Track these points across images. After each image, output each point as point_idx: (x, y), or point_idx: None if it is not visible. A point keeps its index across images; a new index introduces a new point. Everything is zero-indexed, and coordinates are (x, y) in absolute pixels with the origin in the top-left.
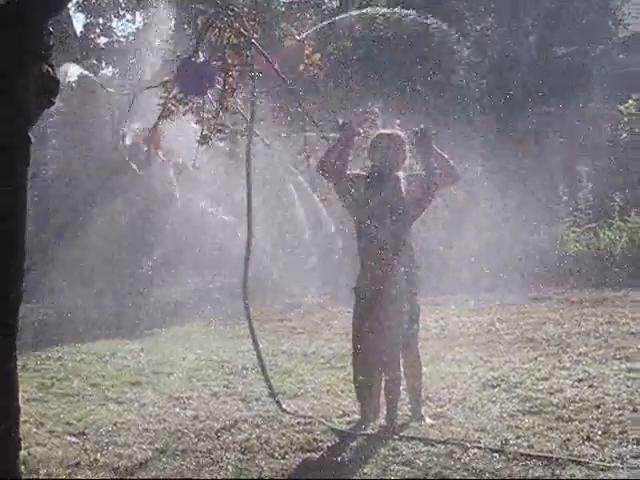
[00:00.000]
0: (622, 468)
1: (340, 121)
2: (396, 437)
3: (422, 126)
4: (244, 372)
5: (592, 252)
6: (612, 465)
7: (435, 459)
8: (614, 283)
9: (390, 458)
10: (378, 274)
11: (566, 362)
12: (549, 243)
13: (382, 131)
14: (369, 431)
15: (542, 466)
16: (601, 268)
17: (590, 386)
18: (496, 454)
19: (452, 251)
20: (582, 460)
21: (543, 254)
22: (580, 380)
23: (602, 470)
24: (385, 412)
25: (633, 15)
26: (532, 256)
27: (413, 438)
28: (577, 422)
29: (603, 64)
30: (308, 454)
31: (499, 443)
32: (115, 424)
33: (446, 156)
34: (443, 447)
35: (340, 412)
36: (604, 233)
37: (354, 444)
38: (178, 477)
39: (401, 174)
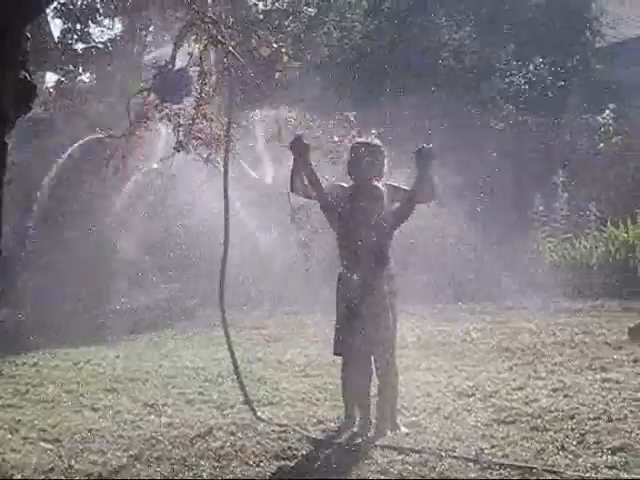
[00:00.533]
0: (597, 478)
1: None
2: (371, 446)
3: (426, 145)
4: (219, 379)
5: (568, 262)
6: (586, 475)
7: (410, 468)
8: (590, 293)
9: (365, 467)
10: (359, 283)
11: (541, 372)
12: (525, 253)
13: (360, 140)
14: (344, 439)
15: (517, 476)
16: (577, 278)
17: (565, 396)
18: (471, 463)
19: (427, 261)
20: (557, 470)
21: (519, 264)
22: (555, 390)
23: None
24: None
25: (611, 26)
26: (508, 266)
27: (388, 447)
28: (552, 432)
29: (580, 75)
30: (283, 462)
31: (474, 452)
32: (90, 431)
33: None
34: (418, 456)
35: (315, 420)
36: (580, 243)
37: (329, 452)
38: None
39: (381, 185)
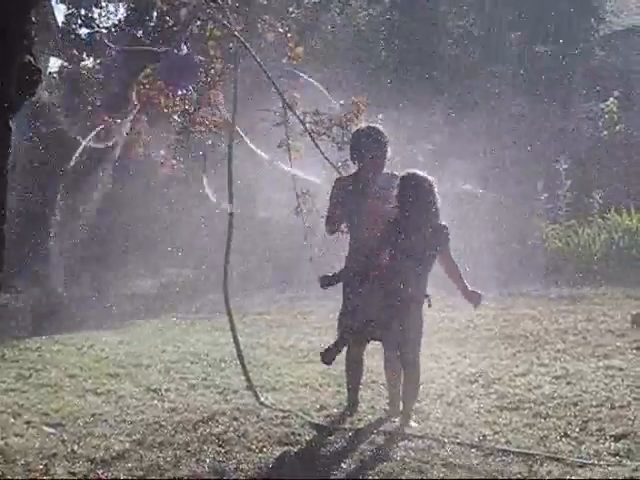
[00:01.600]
0: (599, 465)
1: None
2: (374, 432)
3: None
4: (222, 365)
5: (571, 249)
6: (589, 462)
7: (413, 454)
8: (593, 280)
9: (367, 452)
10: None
11: (544, 359)
12: (528, 240)
13: (361, 126)
14: (347, 425)
15: (519, 462)
16: (580, 265)
17: (568, 383)
18: (474, 449)
19: None
20: (559, 457)
21: (522, 251)
22: (558, 377)
23: (579, 467)
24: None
25: (615, 13)
26: (511, 253)
27: (391, 433)
28: (555, 419)
29: (584, 61)
30: (285, 447)
31: (477, 439)
32: (93, 415)
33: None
34: (421, 442)
35: (318, 406)
36: (583, 230)
37: (331, 438)
38: (155, 469)
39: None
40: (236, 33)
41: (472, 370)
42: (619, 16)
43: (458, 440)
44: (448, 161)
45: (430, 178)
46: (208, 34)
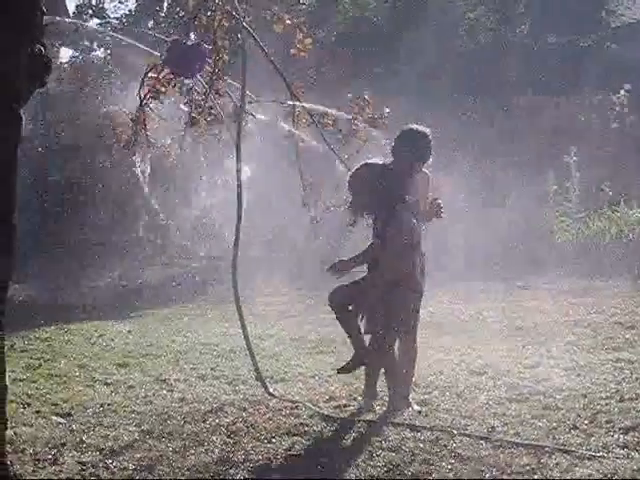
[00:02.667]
0: (608, 457)
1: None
2: (383, 423)
3: None
4: (231, 355)
5: (581, 241)
6: (598, 454)
7: (421, 445)
8: (603, 273)
9: (376, 444)
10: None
11: (554, 351)
12: (538, 232)
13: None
14: (356, 416)
15: (528, 454)
16: (590, 257)
17: (577, 375)
18: (482, 441)
19: (440, 240)
20: (568, 449)
21: (532, 243)
22: (567, 369)
23: (588, 459)
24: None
25: (626, 5)
26: (521, 245)
27: (400, 424)
28: (564, 411)
29: (595, 54)
30: (294, 438)
31: (486, 430)
32: (102, 405)
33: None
34: (430, 433)
35: (327, 397)
36: (593, 223)
37: (340, 429)
38: (164, 459)
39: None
40: (245, 24)
41: (481, 362)
42: (631, 8)
43: (467, 432)
44: (458, 152)
45: (378, 164)
46: (216, 24)
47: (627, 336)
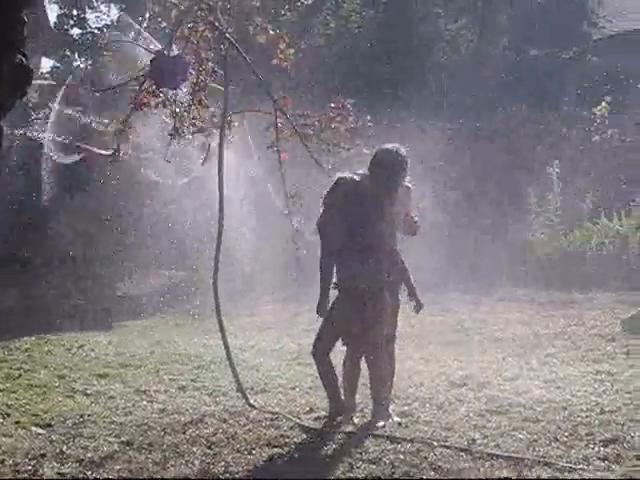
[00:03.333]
0: (588, 470)
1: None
2: (363, 435)
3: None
4: (212, 366)
5: (562, 253)
6: (578, 467)
7: (402, 457)
8: (583, 285)
9: (357, 455)
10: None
11: (534, 363)
12: (518, 244)
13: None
14: (335, 429)
15: (508, 466)
16: (570, 270)
17: (557, 387)
18: (463, 453)
19: (421, 251)
20: (548, 461)
21: (513, 255)
22: (547, 381)
23: (568, 471)
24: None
25: (608, 18)
26: (501, 257)
27: (380, 436)
28: (544, 423)
29: (577, 66)
30: (274, 450)
31: (466, 442)
32: (82, 416)
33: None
34: (410, 445)
35: (307, 408)
36: (574, 235)
37: (321, 441)
38: (144, 471)
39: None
40: (227, 35)
41: (461, 373)
42: (612, 20)
43: (447, 444)
44: (437, 164)
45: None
46: (199, 35)
47: (607, 348)
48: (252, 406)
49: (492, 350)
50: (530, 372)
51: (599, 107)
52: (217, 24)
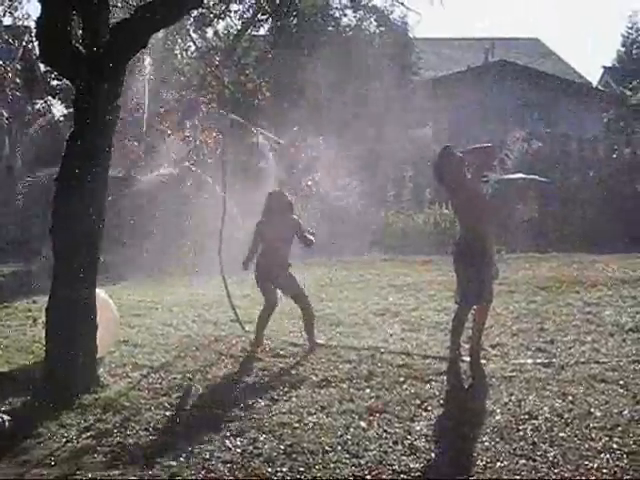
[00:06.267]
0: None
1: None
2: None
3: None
4: (214, 305)
5: (409, 230)
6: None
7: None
8: (425, 251)
9: (333, 358)
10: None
11: (425, 299)
12: (379, 223)
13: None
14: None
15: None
16: (416, 240)
17: (446, 314)
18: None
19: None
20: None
21: (377, 230)
22: (438, 310)
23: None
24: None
25: (425, 69)
26: (367, 231)
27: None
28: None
29: (404, 101)
30: (273, 359)
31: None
32: (135, 341)
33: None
34: (354, 353)
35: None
36: (418, 217)
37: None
38: (197, 372)
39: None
40: (226, 83)
41: (379, 307)
42: (429, 70)
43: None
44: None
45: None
46: (207, 83)
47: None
48: (248, 332)
49: (392, 291)
50: (424, 304)
51: (424, 130)
52: (219, 76)
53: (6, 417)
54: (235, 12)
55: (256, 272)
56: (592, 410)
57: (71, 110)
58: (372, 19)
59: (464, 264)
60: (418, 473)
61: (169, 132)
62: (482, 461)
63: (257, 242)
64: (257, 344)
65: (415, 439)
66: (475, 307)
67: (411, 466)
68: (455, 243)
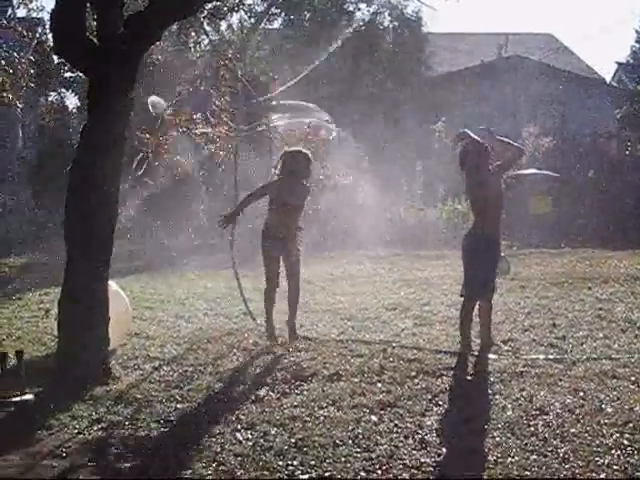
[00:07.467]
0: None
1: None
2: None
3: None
4: (226, 298)
5: (422, 224)
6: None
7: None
8: (436, 245)
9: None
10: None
11: (437, 294)
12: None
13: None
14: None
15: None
16: (428, 235)
17: (456, 309)
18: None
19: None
20: (441, 349)
21: (389, 225)
22: (449, 305)
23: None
24: None
25: (438, 63)
26: (381, 227)
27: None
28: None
29: (418, 96)
30: (284, 352)
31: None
32: (147, 336)
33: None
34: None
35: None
36: (430, 212)
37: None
38: (208, 364)
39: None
40: (239, 75)
41: (391, 302)
42: (442, 65)
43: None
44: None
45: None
46: (220, 76)
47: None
48: (259, 324)
49: (404, 287)
50: (436, 299)
51: (438, 124)
52: (231, 67)
53: (31, 397)
54: (249, 5)
55: (266, 241)
56: (603, 406)
57: (84, 102)
58: (386, 13)
59: (470, 256)
60: (429, 468)
61: (183, 128)
62: (493, 456)
63: (251, 202)
64: (267, 331)
65: (426, 434)
66: (478, 305)
67: (422, 461)
68: (465, 235)
